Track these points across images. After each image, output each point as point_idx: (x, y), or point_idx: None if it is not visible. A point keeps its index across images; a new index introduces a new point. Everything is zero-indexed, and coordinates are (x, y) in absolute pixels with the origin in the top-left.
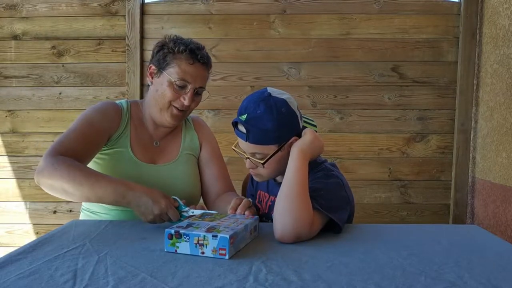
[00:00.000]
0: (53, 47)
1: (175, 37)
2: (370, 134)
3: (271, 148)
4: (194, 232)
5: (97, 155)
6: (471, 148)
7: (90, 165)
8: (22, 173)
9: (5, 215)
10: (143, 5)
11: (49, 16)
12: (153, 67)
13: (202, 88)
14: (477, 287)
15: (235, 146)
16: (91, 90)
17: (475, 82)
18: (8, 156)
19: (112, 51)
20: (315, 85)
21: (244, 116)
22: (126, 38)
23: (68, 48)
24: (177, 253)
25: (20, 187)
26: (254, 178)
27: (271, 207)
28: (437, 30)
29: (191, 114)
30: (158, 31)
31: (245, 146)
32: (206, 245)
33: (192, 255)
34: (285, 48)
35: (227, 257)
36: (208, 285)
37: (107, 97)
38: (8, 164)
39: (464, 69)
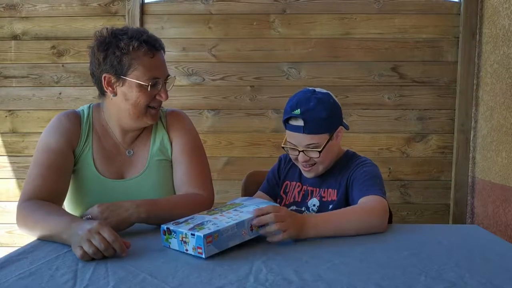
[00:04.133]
0: (53, 47)
1: (112, 34)
2: (370, 134)
3: (324, 137)
4: (179, 230)
5: None
6: (471, 148)
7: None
8: (22, 173)
9: (5, 215)
10: (143, 5)
11: (49, 16)
12: (109, 75)
13: (169, 75)
14: (478, 287)
15: (284, 144)
16: (91, 90)
17: (475, 82)
18: (8, 156)
19: None
20: (315, 85)
21: (298, 110)
22: None
23: (68, 48)
24: (171, 248)
25: (20, 187)
26: (307, 174)
27: (304, 196)
28: (437, 30)
29: (167, 107)
30: (158, 31)
31: (301, 139)
32: (188, 242)
33: (193, 255)
34: (285, 48)
35: (203, 256)
36: (209, 285)
37: None
38: (8, 164)
39: (464, 69)
